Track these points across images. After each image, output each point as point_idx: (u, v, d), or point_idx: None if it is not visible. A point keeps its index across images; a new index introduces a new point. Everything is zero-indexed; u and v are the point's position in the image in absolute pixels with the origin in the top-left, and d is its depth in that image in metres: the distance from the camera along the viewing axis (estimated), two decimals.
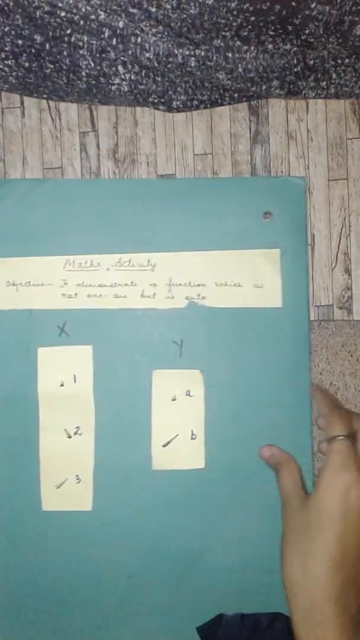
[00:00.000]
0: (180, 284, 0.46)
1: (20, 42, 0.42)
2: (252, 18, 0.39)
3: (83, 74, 0.44)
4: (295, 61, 0.44)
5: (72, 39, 0.41)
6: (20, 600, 0.46)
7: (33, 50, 0.42)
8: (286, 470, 0.41)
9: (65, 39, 0.41)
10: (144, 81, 0.45)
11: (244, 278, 0.46)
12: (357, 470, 0.36)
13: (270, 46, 0.42)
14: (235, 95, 0.47)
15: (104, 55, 0.42)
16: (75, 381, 0.46)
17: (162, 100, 0.47)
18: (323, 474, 0.36)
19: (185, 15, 0.39)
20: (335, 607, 0.33)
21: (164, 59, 0.43)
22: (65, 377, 0.46)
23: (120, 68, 0.44)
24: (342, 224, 0.50)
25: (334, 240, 0.50)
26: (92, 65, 0.43)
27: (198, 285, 0.46)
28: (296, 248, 0.47)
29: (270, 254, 0.46)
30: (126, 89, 0.46)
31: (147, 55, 0.42)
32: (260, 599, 0.46)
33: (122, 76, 0.44)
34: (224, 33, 0.41)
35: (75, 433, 0.46)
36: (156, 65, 0.43)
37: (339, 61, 0.44)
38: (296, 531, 0.37)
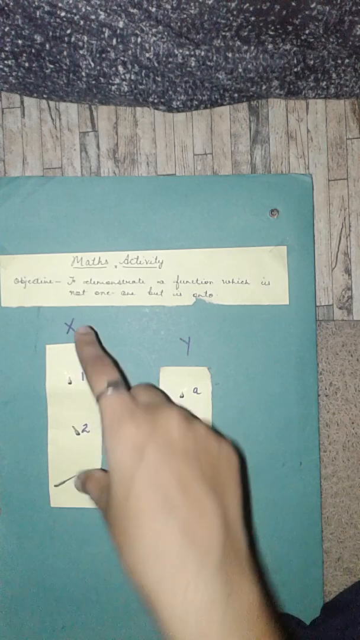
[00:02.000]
0: (187, 281, 0.46)
1: (20, 42, 0.42)
2: (252, 18, 0.39)
3: (83, 74, 0.44)
4: (295, 61, 0.44)
5: (72, 39, 0.41)
6: (28, 596, 0.46)
7: (33, 50, 0.42)
8: (89, 481, 0.35)
9: (65, 39, 0.41)
10: (144, 81, 0.45)
11: (251, 275, 0.46)
12: (132, 412, 0.30)
13: (270, 46, 0.42)
14: (235, 95, 0.47)
15: (104, 55, 0.42)
16: (83, 378, 0.46)
17: (162, 100, 0.47)
18: (104, 442, 0.30)
19: (185, 15, 0.39)
20: (189, 563, 0.26)
21: (164, 59, 0.43)
22: (73, 374, 0.46)
23: (120, 68, 0.43)
24: (342, 224, 0.50)
25: (334, 240, 0.50)
26: (92, 65, 0.43)
27: (205, 282, 0.46)
28: (303, 245, 0.47)
29: (277, 251, 0.46)
30: (126, 89, 0.45)
31: (147, 55, 0.42)
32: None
33: (122, 76, 0.44)
34: (224, 33, 0.41)
35: (84, 430, 0.46)
36: (156, 65, 0.43)
37: (339, 61, 0.44)
38: (111, 516, 0.30)
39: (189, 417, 0.31)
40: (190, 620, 0.25)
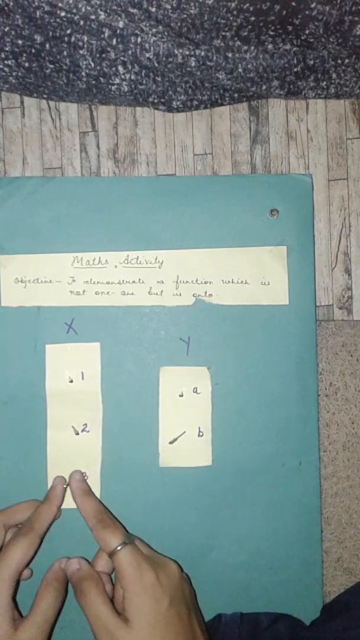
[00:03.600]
0: (187, 281, 0.46)
1: (20, 42, 0.42)
2: (252, 18, 0.39)
3: (83, 74, 0.44)
4: (295, 61, 0.44)
5: (72, 39, 0.41)
6: (27, 597, 0.46)
7: (33, 50, 0.42)
8: (94, 596, 0.37)
9: (65, 39, 0.41)
10: (144, 81, 0.45)
11: (251, 275, 0.46)
12: (152, 567, 0.37)
13: (270, 46, 0.42)
14: (235, 95, 0.47)
15: (104, 55, 0.42)
16: (83, 378, 0.46)
17: (162, 100, 0.47)
18: (126, 588, 0.36)
19: (185, 15, 0.39)
20: None
21: (164, 59, 0.43)
22: (73, 374, 0.46)
23: (120, 68, 0.44)
24: (342, 224, 0.50)
25: (334, 240, 0.50)
26: (92, 65, 0.43)
27: (205, 282, 0.46)
28: (303, 245, 0.47)
29: (277, 251, 0.46)
30: (126, 89, 0.45)
31: (147, 55, 0.42)
32: (266, 597, 0.46)
33: (122, 76, 0.44)
34: (224, 33, 0.41)
35: (83, 430, 0.46)
36: (156, 65, 0.43)
37: (339, 61, 0.44)
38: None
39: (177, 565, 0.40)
40: None
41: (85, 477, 0.46)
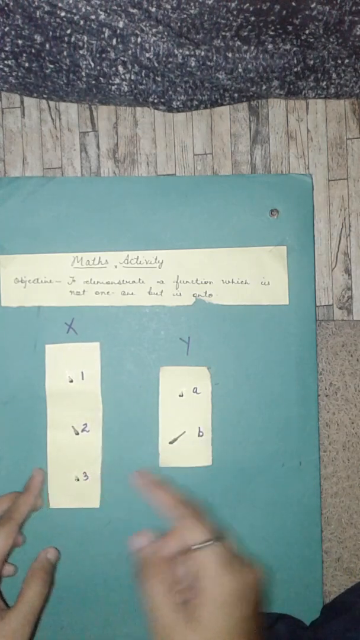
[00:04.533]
0: (187, 282, 0.46)
1: (20, 42, 0.42)
2: (252, 18, 0.39)
3: (83, 74, 0.44)
4: (295, 61, 0.44)
5: (72, 39, 0.41)
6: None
7: (33, 50, 0.42)
8: (158, 583, 0.35)
9: (65, 39, 0.41)
10: (144, 81, 0.45)
11: (251, 275, 0.46)
12: (236, 575, 0.34)
13: (270, 46, 0.42)
14: (235, 95, 0.47)
15: (104, 55, 0.42)
16: (83, 378, 0.46)
17: (162, 100, 0.47)
18: (205, 590, 0.34)
19: (185, 15, 0.39)
20: None
21: (164, 59, 0.43)
22: (73, 374, 0.46)
23: (120, 68, 0.44)
24: (342, 224, 0.50)
25: (334, 240, 0.50)
26: (92, 65, 0.43)
27: (205, 282, 0.46)
28: (303, 245, 0.47)
29: (277, 251, 0.46)
30: (126, 89, 0.45)
31: (147, 55, 0.42)
32: (266, 597, 0.46)
33: (122, 76, 0.44)
34: (224, 33, 0.41)
35: (83, 430, 0.46)
36: (156, 65, 0.43)
37: (339, 61, 0.44)
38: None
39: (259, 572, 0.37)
40: None
41: (85, 478, 0.46)
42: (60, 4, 0.38)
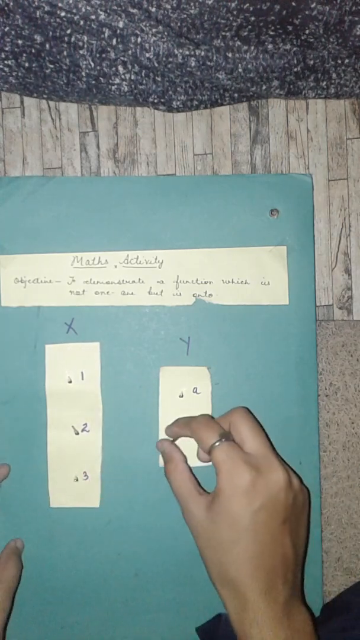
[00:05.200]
0: (187, 281, 0.46)
1: (20, 42, 0.42)
2: (252, 18, 0.39)
3: (83, 74, 0.44)
4: (295, 61, 0.44)
5: (72, 39, 0.41)
6: (27, 597, 0.46)
7: (33, 50, 0.42)
8: (179, 472, 0.40)
9: (65, 39, 0.41)
10: (144, 81, 0.45)
11: (251, 275, 0.46)
12: (248, 469, 0.36)
13: (270, 46, 0.42)
14: (235, 95, 0.47)
15: (104, 55, 0.42)
16: (82, 378, 0.46)
17: (162, 100, 0.47)
18: (219, 485, 0.36)
19: (185, 15, 0.39)
20: (265, 600, 0.34)
21: (164, 59, 0.43)
22: (72, 374, 0.46)
23: (120, 68, 0.44)
24: (342, 224, 0.50)
25: (334, 240, 0.50)
26: (92, 65, 0.43)
27: (205, 282, 0.46)
28: (303, 245, 0.47)
29: (277, 251, 0.46)
30: (126, 89, 0.45)
31: (147, 55, 0.42)
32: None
33: (122, 76, 0.44)
34: (224, 33, 0.41)
35: (83, 430, 0.46)
36: (156, 65, 0.43)
37: (339, 61, 0.44)
38: (209, 543, 0.36)
39: (290, 473, 0.38)
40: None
41: (85, 478, 0.46)
42: (60, 4, 0.38)
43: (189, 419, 0.42)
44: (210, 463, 0.38)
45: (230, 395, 0.46)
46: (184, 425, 0.41)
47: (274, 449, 0.39)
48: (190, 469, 0.41)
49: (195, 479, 0.40)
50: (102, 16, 0.40)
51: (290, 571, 0.36)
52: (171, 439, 0.44)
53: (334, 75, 0.46)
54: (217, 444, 0.37)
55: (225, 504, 0.35)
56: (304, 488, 0.39)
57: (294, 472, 0.38)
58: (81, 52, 0.42)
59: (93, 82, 0.45)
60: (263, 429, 0.40)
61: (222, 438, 0.37)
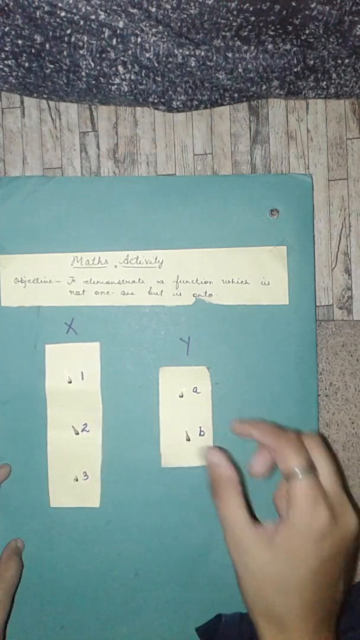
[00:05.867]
0: (187, 281, 0.46)
1: (20, 42, 0.42)
2: (252, 18, 0.39)
3: (83, 74, 0.44)
4: (295, 61, 0.44)
5: (72, 39, 0.41)
6: (27, 596, 0.46)
7: (33, 50, 0.42)
8: (230, 497, 0.35)
9: (65, 39, 0.41)
10: (144, 81, 0.45)
11: (251, 275, 0.46)
12: (327, 513, 0.33)
13: (270, 46, 0.42)
14: (235, 95, 0.47)
15: (104, 55, 0.42)
16: (82, 378, 0.46)
17: (162, 100, 0.47)
18: (292, 521, 0.33)
19: (185, 15, 0.39)
20: (309, 636, 0.33)
21: (164, 59, 0.43)
22: (72, 374, 0.46)
23: (120, 68, 0.43)
24: (342, 224, 0.50)
25: (334, 240, 0.50)
26: (92, 65, 0.43)
27: (205, 282, 0.46)
28: (303, 245, 0.47)
29: (277, 251, 0.46)
30: (126, 89, 0.45)
31: (147, 55, 0.42)
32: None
33: (122, 76, 0.44)
34: (224, 33, 0.41)
35: (83, 430, 0.46)
36: (156, 65, 0.43)
37: (339, 61, 0.44)
38: (263, 577, 0.33)
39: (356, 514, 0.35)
40: None
41: (85, 478, 0.46)
42: (60, 4, 0.38)
43: (277, 429, 0.36)
44: (261, 478, 0.35)
45: (230, 395, 0.46)
46: (268, 434, 0.36)
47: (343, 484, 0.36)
48: (245, 493, 0.36)
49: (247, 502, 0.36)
50: (102, 16, 0.40)
51: (336, 610, 0.35)
52: (222, 451, 0.37)
53: (334, 75, 0.46)
54: (301, 476, 0.33)
55: (296, 543, 0.33)
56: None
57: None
58: (81, 52, 0.42)
59: (93, 82, 0.45)
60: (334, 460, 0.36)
61: (307, 471, 0.34)
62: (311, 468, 0.34)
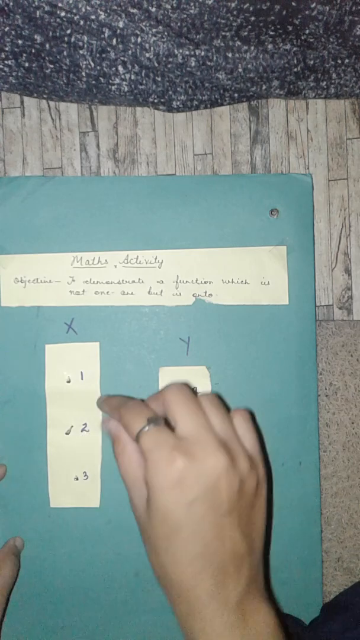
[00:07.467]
0: (187, 281, 0.46)
1: (20, 42, 0.42)
2: (252, 18, 0.39)
3: (83, 74, 0.44)
4: (295, 61, 0.44)
5: (72, 39, 0.41)
6: (27, 597, 0.46)
7: (33, 50, 0.42)
8: (123, 453, 0.33)
9: (65, 39, 0.41)
10: (144, 81, 0.45)
11: (251, 275, 0.46)
12: (178, 456, 0.30)
13: (270, 46, 0.42)
14: (235, 95, 0.47)
15: (104, 55, 0.42)
16: (82, 378, 0.46)
17: (162, 100, 0.47)
18: (147, 477, 0.31)
19: (185, 15, 0.39)
20: (214, 605, 0.30)
21: (164, 59, 0.43)
22: (72, 374, 0.46)
23: (120, 68, 0.44)
24: (342, 224, 0.50)
25: (334, 240, 0.50)
26: (92, 65, 0.43)
27: (205, 282, 0.46)
28: (303, 245, 0.47)
29: (277, 251, 0.46)
30: (126, 89, 0.45)
31: (147, 55, 0.42)
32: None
33: (122, 76, 0.44)
34: (224, 33, 0.41)
35: (83, 430, 0.46)
36: (156, 65, 0.43)
37: (339, 61, 0.44)
38: (148, 541, 0.32)
39: (232, 453, 0.32)
40: None
41: (85, 477, 0.46)
42: (60, 4, 0.38)
43: (120, 401, 0.35)
44: None
45: (230, 395, 0.46)
46: (114, 408, 0.34)
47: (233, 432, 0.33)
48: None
49: None
50: (102, 16, 0.40)
51: (245, 566, 0.31)
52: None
53: (334, 75, 0.46)
54: (145, 429, 0.31)
55: (156, 498, 0.30)
56: (257, 470, 0.33)
57: (252, 454, 0.33)
58: (81, 52, 0.42)
59: (93, 82, 0.45)
60: (202, 405, 0.33)
61: (151, 423, 0.31)
62: (155, 420, 0.32)
